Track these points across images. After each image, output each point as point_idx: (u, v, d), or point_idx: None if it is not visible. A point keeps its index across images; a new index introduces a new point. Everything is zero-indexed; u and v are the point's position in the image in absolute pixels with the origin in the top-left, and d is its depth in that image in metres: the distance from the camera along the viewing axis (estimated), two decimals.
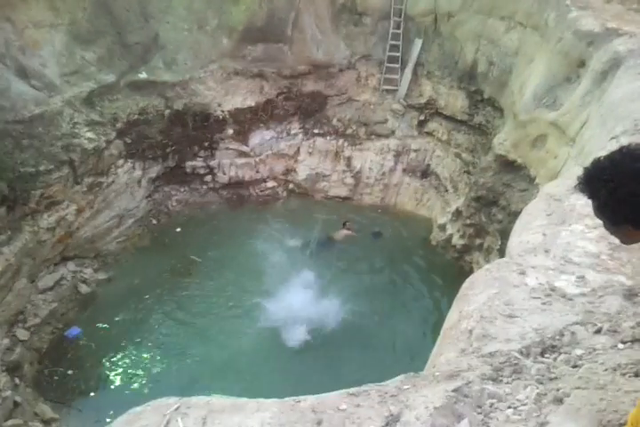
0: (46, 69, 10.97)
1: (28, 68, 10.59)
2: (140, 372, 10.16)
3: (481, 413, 2.66)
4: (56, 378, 9.86)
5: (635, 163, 2.11)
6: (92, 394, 9.75)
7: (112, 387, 9.87)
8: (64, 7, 11.27)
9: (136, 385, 9.88)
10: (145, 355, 10.51)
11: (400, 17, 14.35)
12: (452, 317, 3.72)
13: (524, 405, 2.68)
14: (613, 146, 5.60)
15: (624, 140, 5.68)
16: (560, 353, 3.02)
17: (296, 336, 10.89)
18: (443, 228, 13.34)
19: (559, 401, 2.65)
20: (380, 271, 12.93)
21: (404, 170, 15.38)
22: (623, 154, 2.17)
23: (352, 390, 2.90)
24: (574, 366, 2.90)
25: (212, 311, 11.43)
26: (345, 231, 13.95)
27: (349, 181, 15.42)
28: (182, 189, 14.47)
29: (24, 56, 10.56)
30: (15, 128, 10.07)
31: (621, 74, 7.81)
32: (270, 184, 15.44)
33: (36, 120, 10.40)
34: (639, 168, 2.08)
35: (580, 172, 2.25)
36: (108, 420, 9.14)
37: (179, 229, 13.81)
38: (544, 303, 3.42)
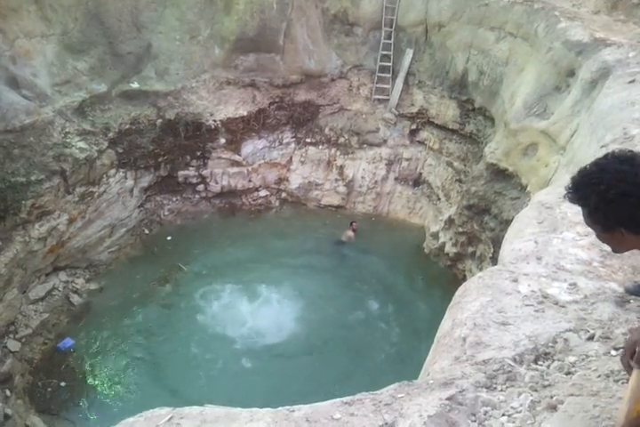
0: (37, 79, 10.95)
1: (19, 77, 10.58)
2: (132, 383, 10.08)
3: (475, 421, 2.66)
4: (49, 390, 9.77)
5: (621, 165, 2.14)
6: (84, 405, 9.65)
7: (104, 398, 9.78)
8: (56, 17, 11.28)
9: (128, 396, 9.79)
10: (137, 366, 10.42)
11: (391, 27, 14.46)
12: (445, 325, 3.71)
13: (519, 412, 2.67)
14: (603, 154, 5.64)
15: (614, 149, 5.72)
16: (553, 360, 3.03)
17: (283, 345, 10.89)
18: (435, 236, 13.37)
19: (553, 408, 2.64)
20: (372, 279, 12.92)
21: (397, 179, 15.44)
22: (609, 158, 2.21)
23: (346, 398, 2.89)
24: (568, 373, 2.90)
25: (201, 321, 11.38)
26: (350, 232, 14.01)
27: (342, 189, 15.45)
28: (174, 199, 14.44)
29: (15, 66, 10.54)
30: (6, 138, 10.03)
31: (610, 83, 7.89)
32: (263, 193, 15.46)
33: (26, 130, 10.37)
34: (626, 169, 2.12)
35: (567, 181, 2.26)
36: None
37: (169, 238, 13.77)
38: (537, 311, 3.43)
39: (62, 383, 9.90)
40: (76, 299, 11.45)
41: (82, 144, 11.24)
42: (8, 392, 9.04)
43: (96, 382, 10.04)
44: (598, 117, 7.24)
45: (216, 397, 9.44)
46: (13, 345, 9.91)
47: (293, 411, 2.80)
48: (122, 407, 9.49)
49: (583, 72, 8.87)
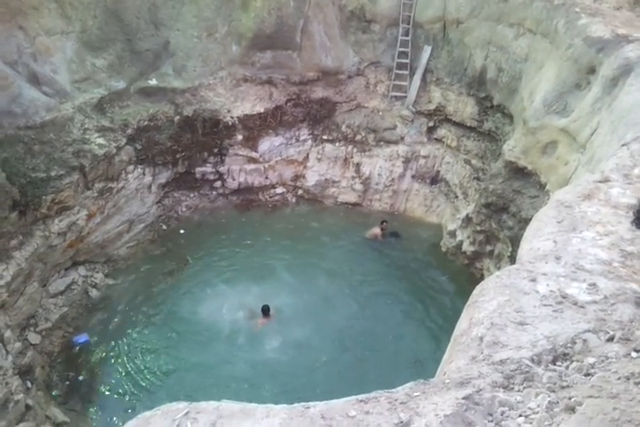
0: (57, 76, 11.06)
1: (39, 74, 10.69)
2: (149, 377, 10.16)
3: (492, 421, 2.64)
4: (67, 383, 9.91)
5: None
6: (102, 399, 9.76)
7: (122, 392, 9.87)
8: (75, 15, 11.39)
9: (146, 390, 9.88)
10: (154, 361, 10.50)
11: (409, 24, 14.38)
12: (462, 324, 3.69)
13: (536, 413, 2.65)
14: (624, 152, 5.57)
15: (635, 147, 5.65)
16: (572, 361, 3.00)
17: (297, 340, 10.92)
18: (453, 234, 13.29)
19: (571, 410, 2.62)
20: (389, 277, 12.89)
21: (414, 176, 15.36)
22: None
23: (361, 396, 2.89)
24: (586, 375, 2.87)
25: (216, 315, 11.43)
26: (377, 230, 13.98)
27: (358, 187, 15.42)
28: (192, 195, 14.54)
29: (36, 63, 10.66)
30: (26, 134, 10.15)
31: (632, 80, 7.78)
32: (279, 190, 15.49)
33: (47, 126, 10.48)
34: None
35: (634, 203, 2.10)
36: (118, 424, 9.19)
37: (182, 231, 13.88)
38: (555, 311, 3.39)
39: (80, 377, 10.03)
40: (94, 293, 11.59)
41: (101, 140, 11.35)
42: (29, 384, 9.18)
43: (113, 377, 10.14)
44: (619, 115, 7.14)
45: (232, 391, 9.53)
46: (34, 338, 10.06)
47: (309, 408, 2.81)
48: (138, 401, 9.58)
49: (604, 69, 8.74)
